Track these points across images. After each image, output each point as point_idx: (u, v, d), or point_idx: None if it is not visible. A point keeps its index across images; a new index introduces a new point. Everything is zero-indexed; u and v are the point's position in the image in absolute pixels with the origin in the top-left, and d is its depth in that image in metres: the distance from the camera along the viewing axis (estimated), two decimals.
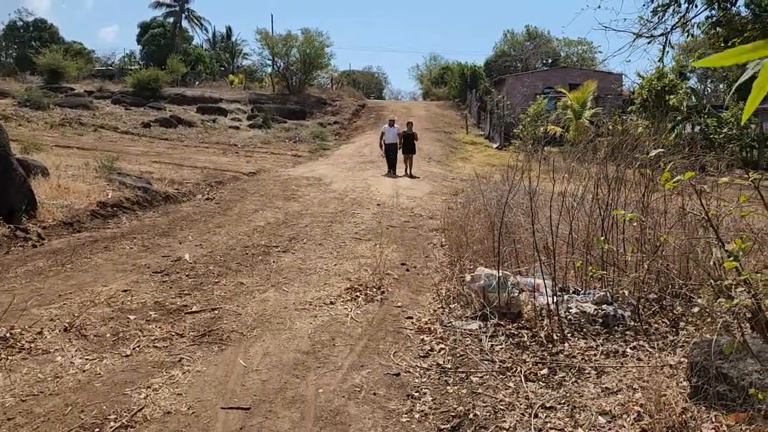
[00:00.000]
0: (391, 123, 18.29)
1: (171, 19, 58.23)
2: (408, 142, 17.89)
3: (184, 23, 59.61)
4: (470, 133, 31.85)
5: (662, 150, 4.45)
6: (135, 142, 22.67)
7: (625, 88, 33.07)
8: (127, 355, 4.57)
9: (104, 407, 3.78)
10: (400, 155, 17.78)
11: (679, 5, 8.69)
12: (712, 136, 22.09)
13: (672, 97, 22.84)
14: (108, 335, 4.94)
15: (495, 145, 27.69)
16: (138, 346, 4.75)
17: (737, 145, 22.90)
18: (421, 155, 21.86)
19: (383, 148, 17.91)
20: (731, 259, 2.56)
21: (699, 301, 3.23)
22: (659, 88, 23.43)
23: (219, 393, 4.00)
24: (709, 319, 3.09)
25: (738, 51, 0.95)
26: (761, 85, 0.96)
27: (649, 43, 8.69)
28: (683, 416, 3.27)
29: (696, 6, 8.73)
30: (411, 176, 17.36)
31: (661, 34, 8.79)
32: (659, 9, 8.72)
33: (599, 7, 8.77)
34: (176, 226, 9.52)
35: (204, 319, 5.43)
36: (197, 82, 45.04)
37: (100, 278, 6.51)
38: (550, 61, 49.00)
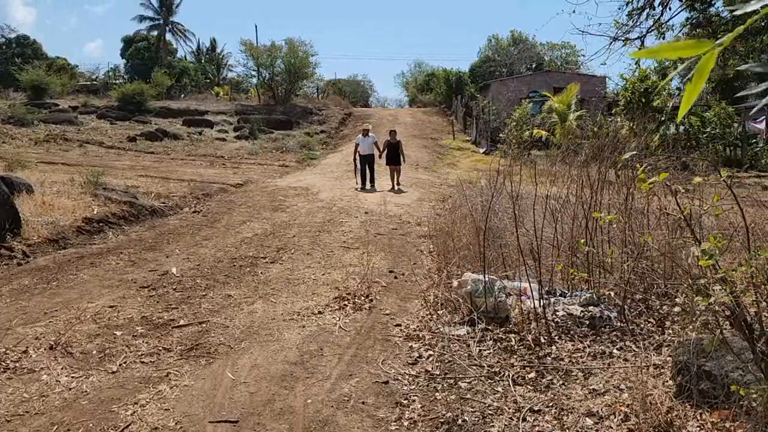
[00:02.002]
0: (365, 133, 16.85)
1: (155, 33, 58.11)
2: (392, 152, 16.48)
3: (168, 36, 59.49)
4: (457, 138, 31.97)
5: (635, 152, 4.50)
6: (121, 156, 22.56)
7: (609, 90, 33.39)
8: (113, 372, 4.54)
9: (91, 425, 3.75)
10: (382, 169, 16.57)
11: (654, 8, 8.81)
12: (696, 135, 22.33)
13: (656, 98, 23.07)
14: (94, 352, 4.90)
15: (482, 150, 27.81)
16: (125, 362, 4.72)
17: (721, 144, 23.18)
18: (408, 162, 21.90)
19: (357, 160, 16.55)
20: (706, 257, 2.59)
21: (677, 300, 3.26)
22: (642, 89, 23.66)
23: (207, 407, 3.98)
24: (688, 319, 3.12)
25: (671, 46, 0.98)
26: (695, 84, 0.98)
27: (624, 45, 8.81)
28: (669, 415, 3.29)
29: (669, 9, 8.86)
30: (398, 190, 15.94)
31: (637, 38, 8.91)
32: (634, 12, 8.83)
33: (574, 11, 8.88)
34: (163, 239, 9.48)
35: (191, 332, 5.40)
36: (183, 95, 44.84)
37: (86, 295, 6.47)
38: (534, 65, 49.33)
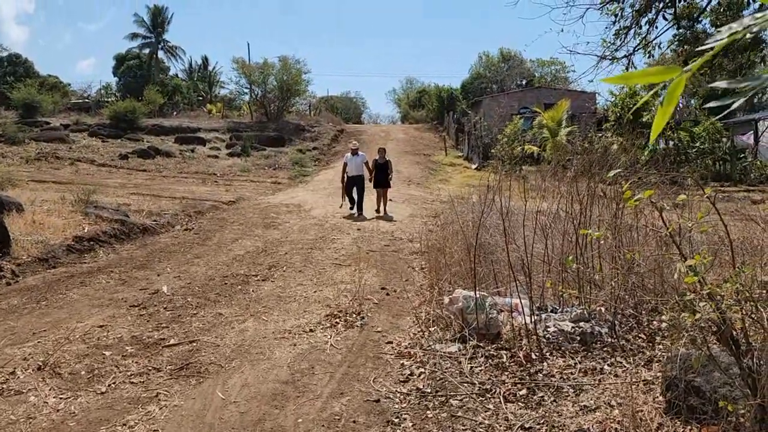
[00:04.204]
0: (354, 152, 15.02)
1: (147, 51, 58.28)
2: (380, 173, 14.74)
3: (161, 54, 59.64)
4: (449, 154, 32.13)
5: (619, 171, 4.54)
6: (113, 174, 22.52)
7: (599, 106, 33.70)
8: (102, 392, 4.50)
9: None
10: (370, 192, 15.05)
11: (640, 27, 8.95)
12: (686, 151, 22.56)
13: (645, 113, 23.29)
14: (83, 372, 4.86)
15: (474, 166, 27.95)
16: (114, 383, 4.67)
17: (710, 158, 23.40)
18: (400, 178, 21.98)
19: (345, 182, 14.83)
20: (692, 274, 2.61)
21: (663, 317, 3.28)
22: (632, 105, 23.90)
23: (196, 427, 3.95)
24: (676, 335, 3.14)
25: (643, 73, 1.01)
26: (665, 108, 1.00)
27: (612, 64, 8.95)
28: (659, 431, 3.29)
29: (656, 27, 9.00)
30: (386, 217, 14.27)
31: (624, 56, 9.04)
32: (621, 32, 8.97)
33: (562, 30, 9.06)
34: (154, 258, 9.44)
35: (182, 351, 5.37)
36: (175, 113, 44.92)
37: (76, 314, 6.42)
38: (524, 82, 49.73)
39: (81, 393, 4.49)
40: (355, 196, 14.72)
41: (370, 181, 14.87)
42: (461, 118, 37.27)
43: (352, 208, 14.65)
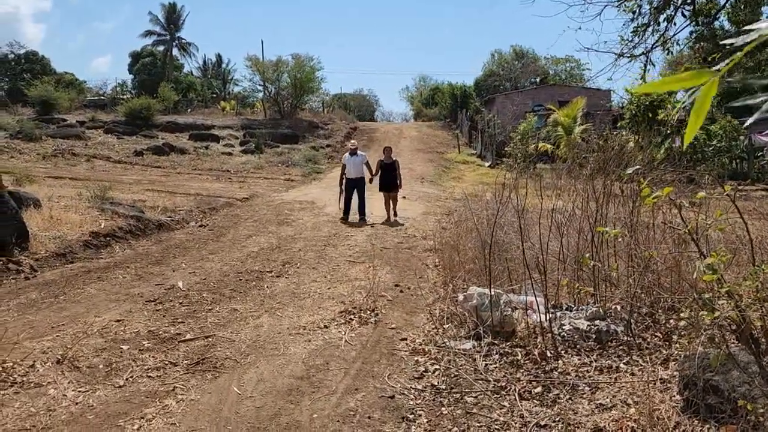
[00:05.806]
0: (353, 152, 13.56)
1: (161, 48, 58.71)
2: (387, 175, 13.43)
3: (175, 51, 60.13)
4: (462, 152, 32.05)
5: (639, 167, 4.52)
6: (128, 170, 22.72)
7: (614, 104, 33.47)
8: (120, 386, 4.55)
9: None
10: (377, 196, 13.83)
11: (659, 24, 8.89)
12: (702, 149, 22.31)
13: (661, 111, 23.06)
14: (101, 366, 4.91)
15: (487, 164, 27.87)
16: (131, 377, 4.72)
17: (727, 157, 23.13)
18: (413, 176, 21.98)
19: (343, 185, 13.45)
20: (710, 272, 2.60)
21: (682, 315, 3.26)
22: (648, 103, 23.68)
23: (213, 421, 3.98)
24: (694, 333, 3.12)
25: (675, 79, 1.00)
26: (698, 112, 1.00)
27: (630, 61, 8.89)
28: (676, 430, 3.28)
29: (675, 24, 8.92)
30: (395, 222, 13.10)
31: (642, 53, 8.98)
32: (639, 29, 8.91)
33: (580, 28, 9.04)
34: (169, 253, 9.51)
35: (198, 346, 5.41)
36: (189, 110, 45.20)
37: (93, 309, 6.49)
38: (538, 79, 49.47)
39: (99, 386, 4.54)
40: (354, 200, 13.37)
41: (370, 182, 13.63)
42: (474, 116, 37.19)
43: (347, 216, 13.25)
